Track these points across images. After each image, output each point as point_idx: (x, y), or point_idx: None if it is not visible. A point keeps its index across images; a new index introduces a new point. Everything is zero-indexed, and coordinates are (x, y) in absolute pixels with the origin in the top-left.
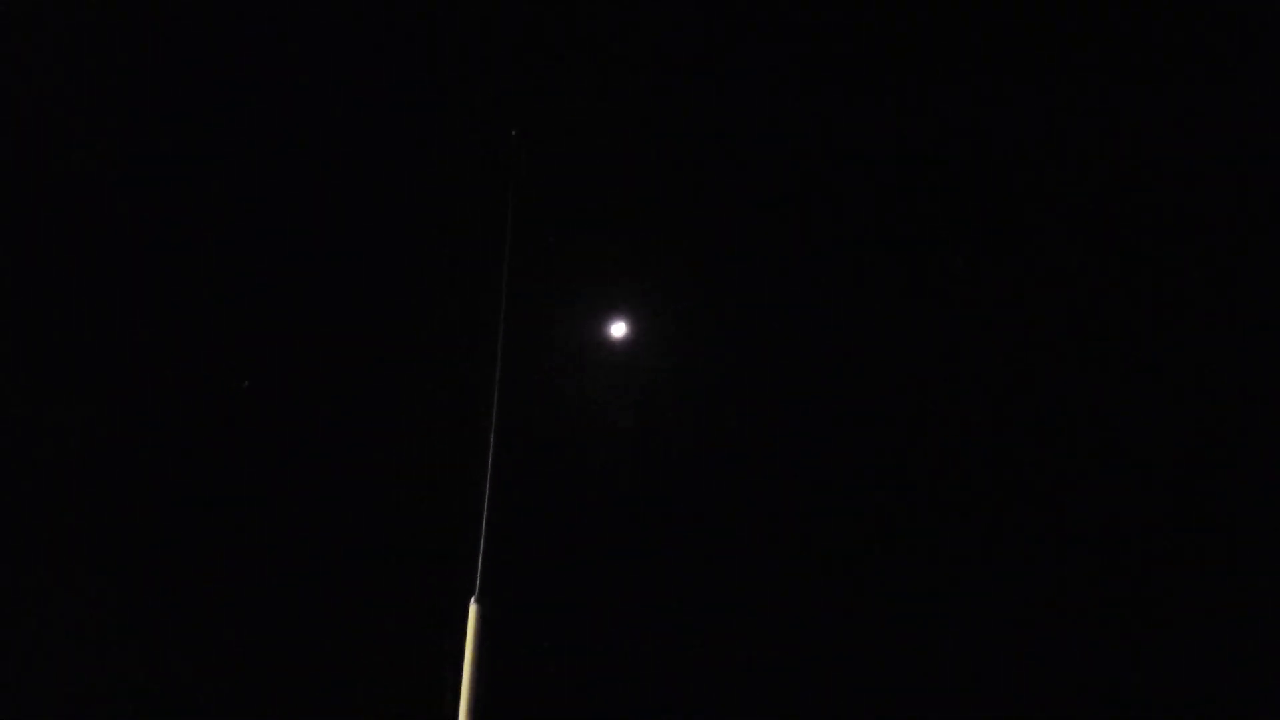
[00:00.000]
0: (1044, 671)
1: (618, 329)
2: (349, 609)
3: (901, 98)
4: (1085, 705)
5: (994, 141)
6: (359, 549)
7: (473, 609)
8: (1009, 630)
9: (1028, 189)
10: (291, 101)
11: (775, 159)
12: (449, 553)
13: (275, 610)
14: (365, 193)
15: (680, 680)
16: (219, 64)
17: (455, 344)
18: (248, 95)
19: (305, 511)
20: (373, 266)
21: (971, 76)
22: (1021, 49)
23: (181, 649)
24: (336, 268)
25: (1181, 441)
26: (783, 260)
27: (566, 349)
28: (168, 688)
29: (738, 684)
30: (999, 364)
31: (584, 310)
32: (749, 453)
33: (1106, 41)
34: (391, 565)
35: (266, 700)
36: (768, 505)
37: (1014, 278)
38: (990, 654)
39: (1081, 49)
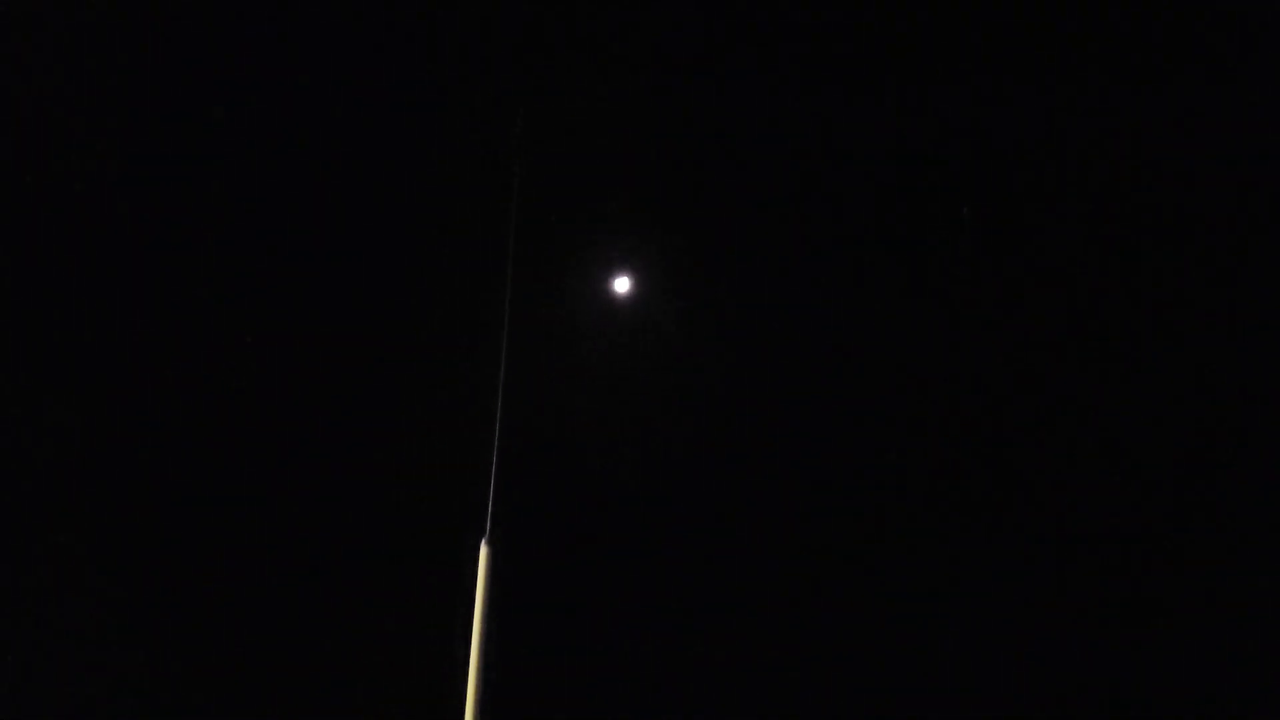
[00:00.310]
0: (1044, 672)
1: (622, 285)
2: (360, 554)
3: (902, 98)
4: (1085, 705)
5: (994, 141)
6: (370, 495)
7: (483, 551)
8: (1009, 630)
9: (1028, 188)
10: (291, 100)
11: (779, 139)
12: (460, 495)
13: (285, 558)
14: (371, 154)
15: (689, 624)
16: (219, 64)
17: (464, 300)
18: (248, 95)
19: (316, 467)
20: (384, 217)
21: (971, 77)
22: (1021, 49)
23: (184, 630)
24: (343, 232)
25: (1181, 441)
26: (788, 236)
27: (575, 305)
28: (171, 670)
29: (749, 633)
30: (1000, 344)
31: (592, 268)
32: (755, 411)
33: (1106, 42)
34: (403, 510)
35: (276, 642)
36: (770, 461)
37: (1014, 277)
38: (990, 654)
39: (1081, 49)
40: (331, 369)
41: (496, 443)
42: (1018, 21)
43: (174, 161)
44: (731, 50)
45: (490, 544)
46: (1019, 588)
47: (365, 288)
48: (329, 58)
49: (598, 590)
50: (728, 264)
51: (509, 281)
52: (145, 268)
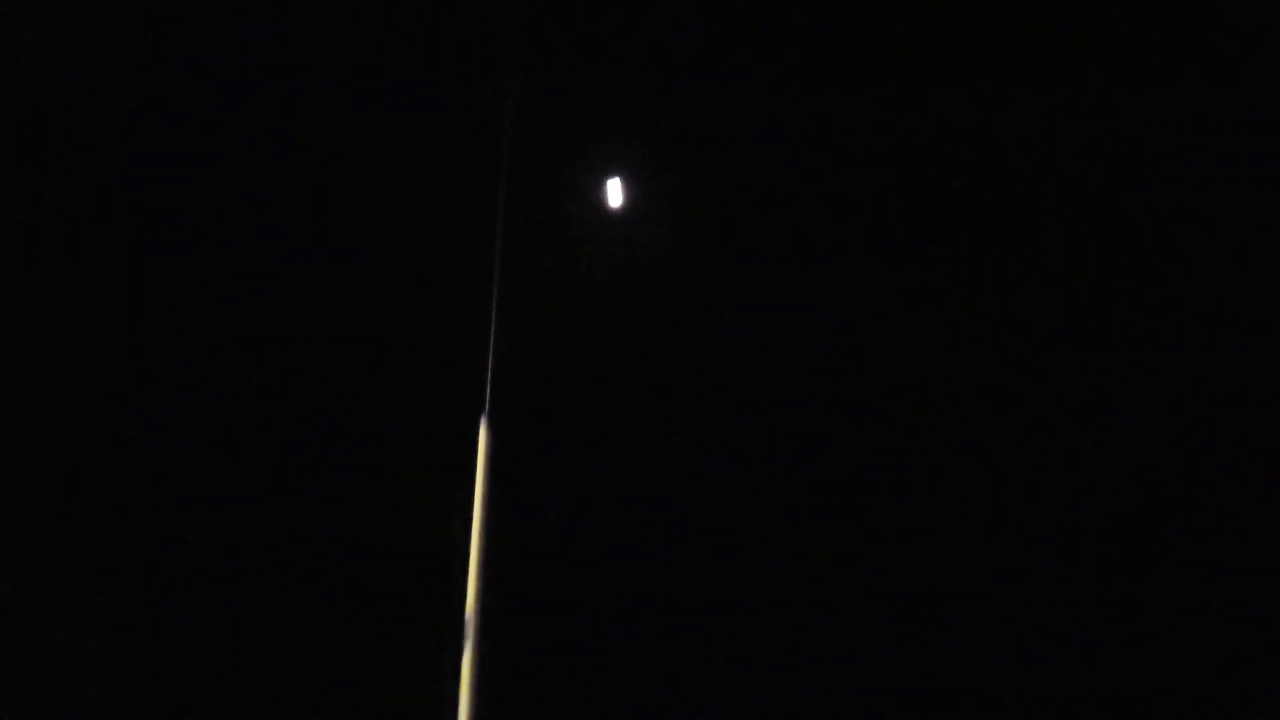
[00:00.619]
0: (1044, 672)
1: (615, 193)
2: (362, 434)
3: (902, 81)
4: (1085, 705)
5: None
6: (369, 379)
7: (483, 426)
8: (1009, 630)
9: (1026, 187)
10: (291, 98)
11: (779, 49)
12: (458, 372)
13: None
14: (367, 63)
15: (688, 499)
16: (219, 64)
17: (458, 208)
18: (248, 95)
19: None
20: (381, 127)
21: (972, 76)
22: (1021, 49)
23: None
24: (338, 141)
25: (1181, 442)
26: (782, 146)
27: (568, 210)
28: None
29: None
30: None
31: (586, 174)
32: (745, 314)
33: (1106, 42)
34: (401, 386)
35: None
36: (760, 361)
37: (1014, 276)
38: (990, 654)
39: (1081, 49)
40: (337, 284)
41: (493, 329)
42: (1018, 21)
43: (174, 161)
44: None
45: (490, 419)
46: (1019, 587)
47: (361, 190)
48: (329, 52)
49: (592, 475)
50: (720, 173)
51: (503, 186)
52: (145, 268)
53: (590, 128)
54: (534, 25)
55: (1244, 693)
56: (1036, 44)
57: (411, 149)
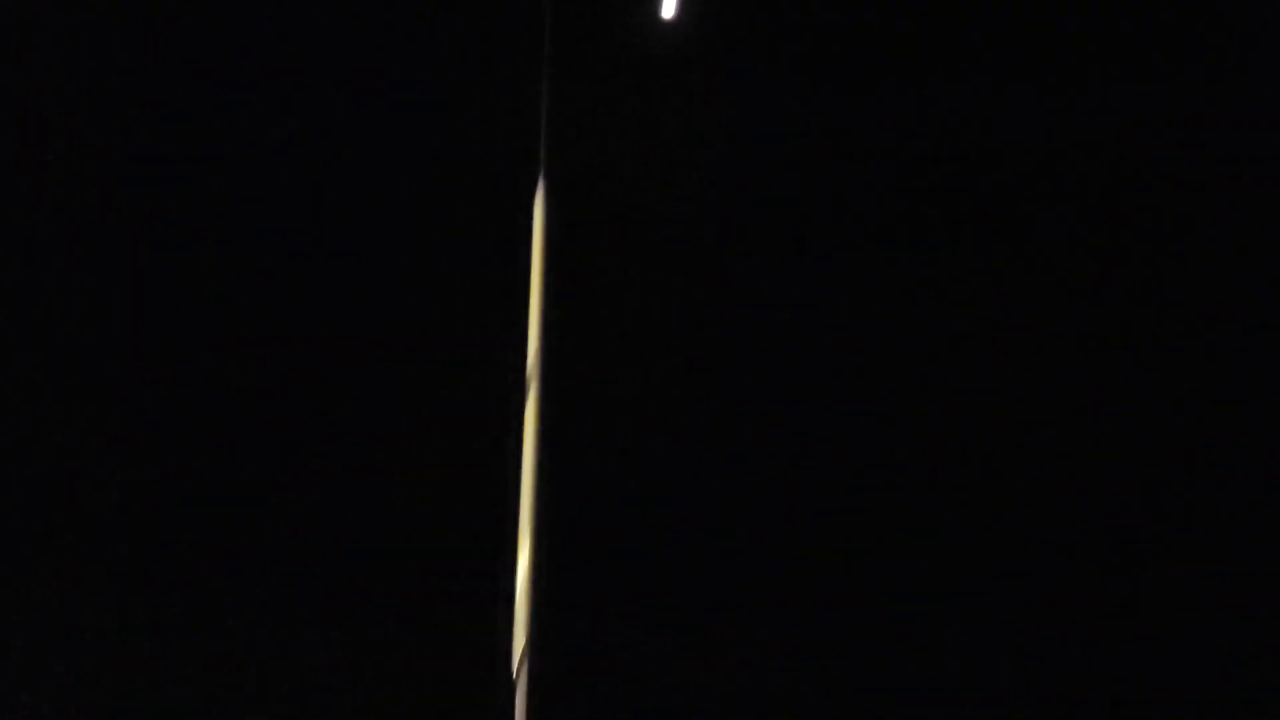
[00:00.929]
0: (1044, 672)
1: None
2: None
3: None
4: (1085, 705)
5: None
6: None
7: (540, 187)
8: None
9: (1025, 185)
10: (292, 92)
11: None
12: (514, 137)
13: None
14: None
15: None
16: (219, 64)
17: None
18: (248, 95)
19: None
20: None
21: (973, 76)
22: (1021, 49)
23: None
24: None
25: (1182, 442)
26: None
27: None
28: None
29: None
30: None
31: None
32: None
33: (1106, 42)
34: (456, 157)
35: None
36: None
37: (1016, 275)
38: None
39: (1081, 49)
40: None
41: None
42: (1018, 21)
43: (175, 161)
44: None
45: (546, 179)
46: (1033, 587)
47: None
48: (330, 46)
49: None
50: None
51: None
52: (148, 268)
53: None
54: None
55: (1244, 693)
56: (1036, 44)
57: None
